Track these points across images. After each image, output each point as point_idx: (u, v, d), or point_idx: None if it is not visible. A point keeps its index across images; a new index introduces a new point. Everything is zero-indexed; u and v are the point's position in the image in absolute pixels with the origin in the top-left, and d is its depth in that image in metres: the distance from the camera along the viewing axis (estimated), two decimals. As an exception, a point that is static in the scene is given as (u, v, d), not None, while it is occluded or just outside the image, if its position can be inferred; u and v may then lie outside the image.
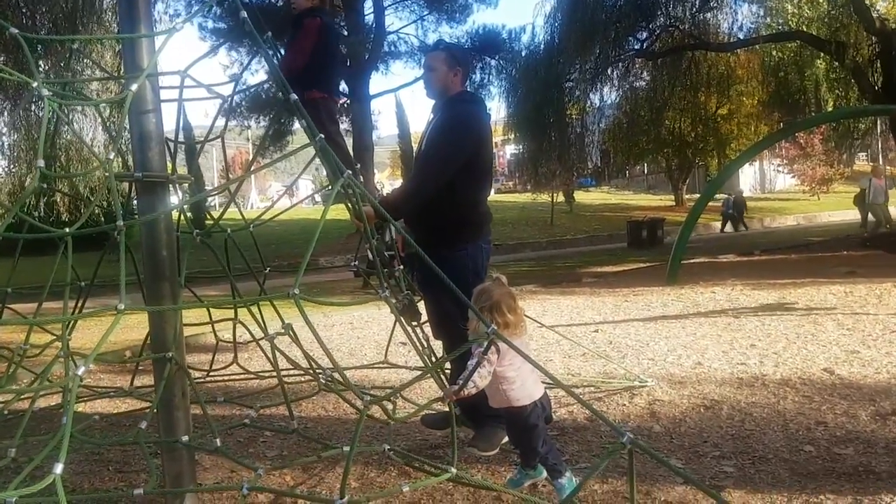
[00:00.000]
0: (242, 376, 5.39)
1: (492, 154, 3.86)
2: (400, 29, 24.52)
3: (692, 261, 14.20)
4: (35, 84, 2.34)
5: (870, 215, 15.56)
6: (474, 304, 2.75)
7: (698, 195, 38.37)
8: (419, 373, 5.45)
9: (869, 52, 16.21)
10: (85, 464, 4.19)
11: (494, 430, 3.37)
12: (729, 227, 26.80)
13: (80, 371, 1.99)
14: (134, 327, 8.13)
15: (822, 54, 17.62)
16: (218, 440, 2.59)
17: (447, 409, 3.84)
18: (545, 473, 3.03)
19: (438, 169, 3.47)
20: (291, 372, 4.79)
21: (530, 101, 17.11)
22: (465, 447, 3.75)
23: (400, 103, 28.18)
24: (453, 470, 2.30)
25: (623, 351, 6.57)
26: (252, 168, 4.47)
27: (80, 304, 3.60)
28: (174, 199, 3.04)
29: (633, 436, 2.05)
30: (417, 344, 2.92)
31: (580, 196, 32.87)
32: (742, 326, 7.40)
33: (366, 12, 23.37)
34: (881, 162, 39.80)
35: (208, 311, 4.76)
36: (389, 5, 23.64)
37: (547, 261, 18.10)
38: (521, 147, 22.21)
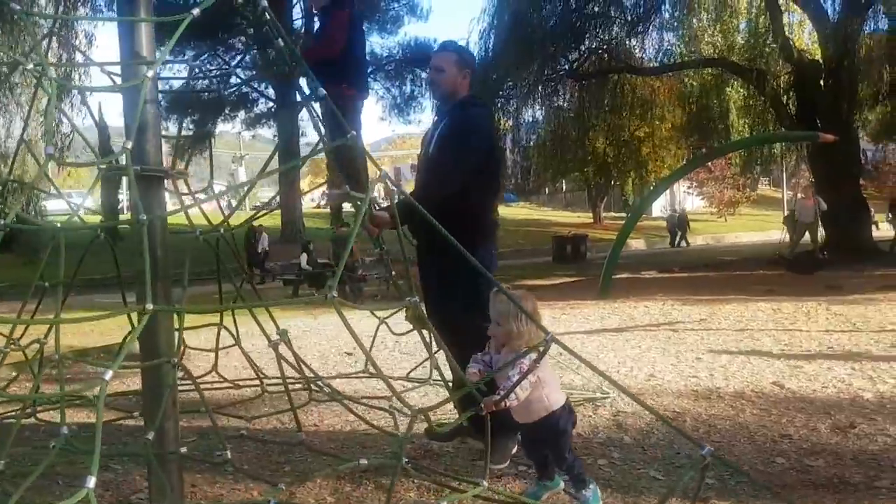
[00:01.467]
0: (224, 385, 5.13)
1: (499, 160, 3.80)
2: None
3: (617, 276, 14.52)
4: (31, 66, 2.08)
5: (807, 234, 16.31)
6: (515, 311, 2.65)
7: (615, 213, 39.71)
8: (407, 383, 5.37)
9: (785, 81, 17.07)
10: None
11: (505, 443, 3.26)
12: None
13: (108, 376, 1.78)
14: (88, 333, 7.70)
15: (740, 81, 18.47)
16: (228, 452, 2.38)
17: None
18: (562, 485, 2.94)
19: (452, 173, 3.36)
20: (274, 380, 4.55)
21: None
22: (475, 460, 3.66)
23: (327, 110, 27.76)
24: (484, 483, 2.17)
25: (574, 363, 6.57)
26: (266, 170, 4.19)
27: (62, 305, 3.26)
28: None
29: (711, 448, 1.98)
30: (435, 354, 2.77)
31: (503, 211, 33.11)
32: (683, 340, 7.56)
33: (295, 17, 22.99)
34: (784, 187, 42.16)
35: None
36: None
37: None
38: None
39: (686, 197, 44.16)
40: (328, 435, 4.58)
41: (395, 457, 2.40)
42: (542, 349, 2.44)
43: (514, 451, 3.32)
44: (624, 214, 38.70)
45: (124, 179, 2.91)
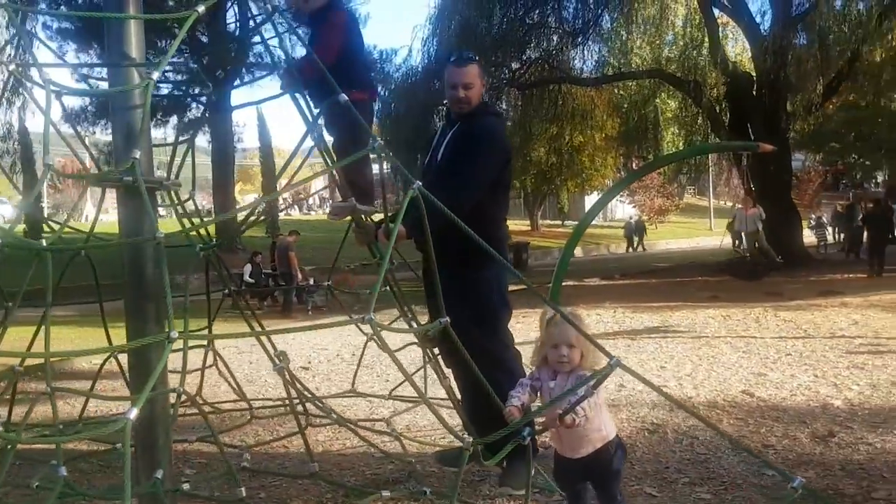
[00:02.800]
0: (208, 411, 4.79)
1: (511, 173, 3.64)
2: (266, 40, 23.67)
3: (563, 284, 14.59)
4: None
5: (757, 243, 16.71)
6: (570, 334, 2.50)
7: (551, 221, 40.19)
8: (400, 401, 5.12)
9: (720, 93, 17.56)
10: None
11: (522, 467, 3.11)
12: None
13: (132, 415, 1.57)
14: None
15: (676, 92, 18.92)
16: (243, 489, 2.15)
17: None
18: None
19: (472, 183, 3.19)
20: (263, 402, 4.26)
21: (408, 122, 17.02)
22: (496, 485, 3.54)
23: (262, 116, 27.29)
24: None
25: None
26: (291, 182, 3.86)
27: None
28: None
29: (803, 480, 1.87)
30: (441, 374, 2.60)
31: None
32: (643, 349, 7.59)
33: (229, 21, 22.41)
34: (711, 196, 43.55)
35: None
36: (256, 15, 22.77)
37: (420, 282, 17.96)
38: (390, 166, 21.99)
39: (618, 205, 45.11)
40: (332, 461, 4.29)
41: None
42: (604, 372, 2.30)
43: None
44: (560, 222, 39.27)
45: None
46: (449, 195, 2.72)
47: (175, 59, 22.33)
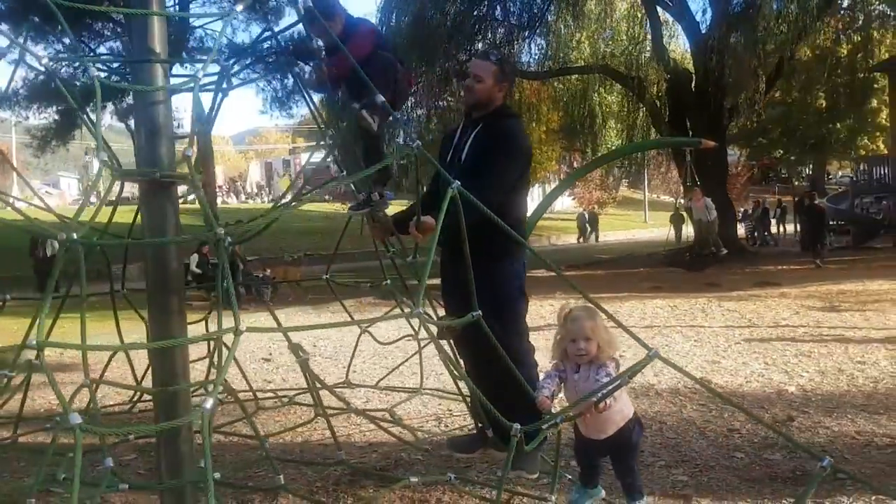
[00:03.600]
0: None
1: (531, 174, 3.74)
2: (205, 24, 23.09)
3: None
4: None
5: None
6: (600, 323, 2.62)
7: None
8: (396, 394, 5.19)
9: (661, 89, 18.06)
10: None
11: (536, 453, 3.21)
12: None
13: (209, 405, 1.59)
14: None
15: (617, 87, 19.36)
16: (281, 477, 2.18)
17: (475, 431, 3.62)
18: (603, 493, 2.93)
19: (498, 183, 3.25)
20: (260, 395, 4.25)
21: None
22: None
23: (199, 102, 26.58)
24: (553, 497, 2.11)
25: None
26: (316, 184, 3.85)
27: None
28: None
29: (832, 459, 2.00)
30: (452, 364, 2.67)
31: (382, 209, 33.03)
32: (599, 339, 7.80)
33: (168, 3, 21.75)
34: (645, 190, 44.67)
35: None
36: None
37: (365, 272, 17.91)
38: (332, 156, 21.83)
39: (559, 198, 45.78)
40: (346, 450, 4.33)
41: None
42: (643, 363, 2.43)
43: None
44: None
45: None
46: (476, 195, 2.79)
47: (111, 44, 21.68)
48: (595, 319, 2.71)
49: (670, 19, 18.38)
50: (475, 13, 18.43)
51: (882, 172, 21.82)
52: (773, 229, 26.19)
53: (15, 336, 3.74)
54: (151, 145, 2.56)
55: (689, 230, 19.10)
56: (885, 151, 34.81)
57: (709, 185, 17.29)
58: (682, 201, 13.29)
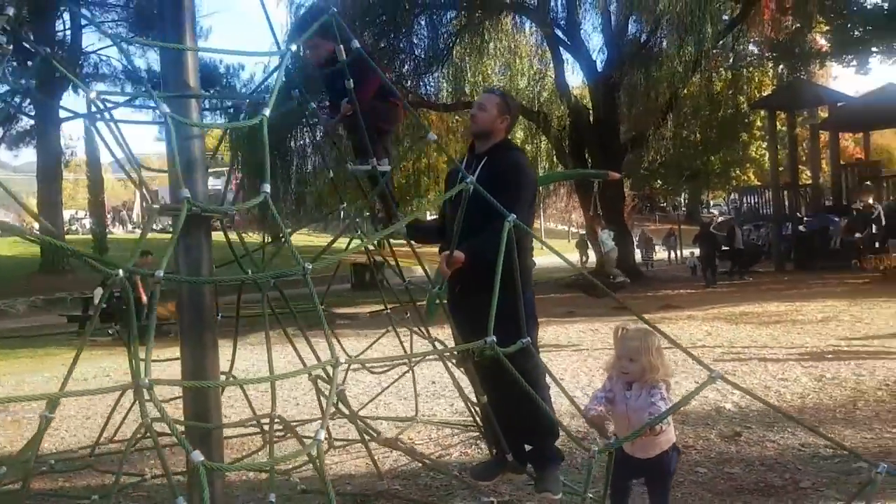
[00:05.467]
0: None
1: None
2: (100, 49, 22.23)
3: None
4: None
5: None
6: (646, 346, 2.76)
7: (397, 239, 40.53)
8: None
9: (563, 123, 18.89)
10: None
11: (557, 472, 3.33)
12: None
13: (321, 436, 1.63)
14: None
15: (522, 121, 20.04)
16: None
17: (493, 457, 3.69)
18: None
19: (517, 213, 3.37)
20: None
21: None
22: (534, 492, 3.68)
23: (89, 129, 25.45)
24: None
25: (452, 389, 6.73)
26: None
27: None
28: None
29: (886, 466, 2.21)
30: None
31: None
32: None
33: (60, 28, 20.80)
34: (542, 218, 46.10)
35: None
36: (87, 25, 21.32)
37: (279, 301, 17.58)
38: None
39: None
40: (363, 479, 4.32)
41: None
42: (705, 384, 2.59)
43: None
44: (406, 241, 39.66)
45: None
46: (493, 228, 2.91)
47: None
48: (644, 342, 2.87)
49: (570, 58, 19.31)
50: (382, 45, 18.66)
51: (753, 202, 23.64)
52: (665, 255, 27.81)
53: (31, 365, 3.51)
54: (188, 179, 2.54)
55: (592, 256, 19.95)
56: (757, 182, 37.77)
57: (610, 214, 18.18)
58: (600, 230, 13.97)
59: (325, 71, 3.80)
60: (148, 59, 22.48)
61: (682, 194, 55.73)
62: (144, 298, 14.16)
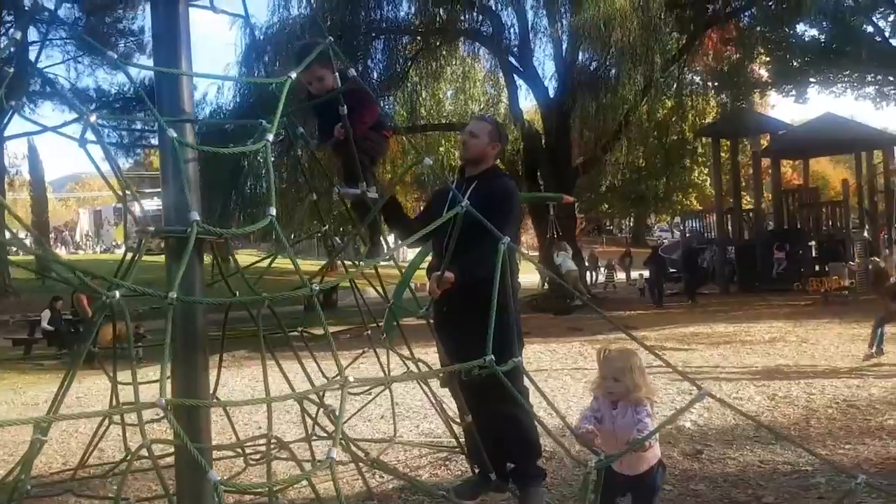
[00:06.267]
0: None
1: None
2: (46, 67, 21.71)
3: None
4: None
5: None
6: (630, 366, 2.85)
7: (347, 261, 40.40)
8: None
9: (517, 147, 19.21)
10: None
11: (539, 490, 3.40)
12: None
13: (334, 454, 1.67)
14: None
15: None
16: None
17: (475, 476, 3.73)
18: None
19: (509, 234, 3.44)
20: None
21: (220, 161, 16.58)
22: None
23: (34, 148, 24.88)
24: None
25: (421, 411, 6.76)
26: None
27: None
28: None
29: (865, 477, 2.33)
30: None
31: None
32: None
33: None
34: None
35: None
36: (35, 41, 20.81)
37: (230, 325, 17.31)
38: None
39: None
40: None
41: None
42: (693, 401, 2.69)
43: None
44: (356, 263, 39.54)
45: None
46: (482, 250, 3.01)
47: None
48: (627, 362, 2.99)
49: (524, 84, 19.69)
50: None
51: (696, 226, 24.40)
52: (618, 277, 28.48)
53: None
54: (182, 202, 2.55)
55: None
56: (699, 207, 38.87)
57: (563, 236, 18.54)
58: (556, 253, 14.29)
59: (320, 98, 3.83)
60: (97, 77, 22.13)
61: (628, 218, 57.02)
62: (90, 312, 13.87)
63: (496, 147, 3.85)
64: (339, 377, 2.29)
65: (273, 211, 2.32)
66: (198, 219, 2.19)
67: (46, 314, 12.46)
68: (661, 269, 18.60)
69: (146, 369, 9.08)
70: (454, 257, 3.42)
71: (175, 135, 2.33)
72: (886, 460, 4.64)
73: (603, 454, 2.84)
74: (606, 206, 50.49)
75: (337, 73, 3.46)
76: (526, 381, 3.38)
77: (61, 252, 37.43)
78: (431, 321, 4.05)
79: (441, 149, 21.72)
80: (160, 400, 1.90)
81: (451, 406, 4.81)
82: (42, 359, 12.06)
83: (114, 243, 39.42)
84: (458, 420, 4.05)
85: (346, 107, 3.41)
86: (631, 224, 58.75)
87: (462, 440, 4.96)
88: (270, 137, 2.43)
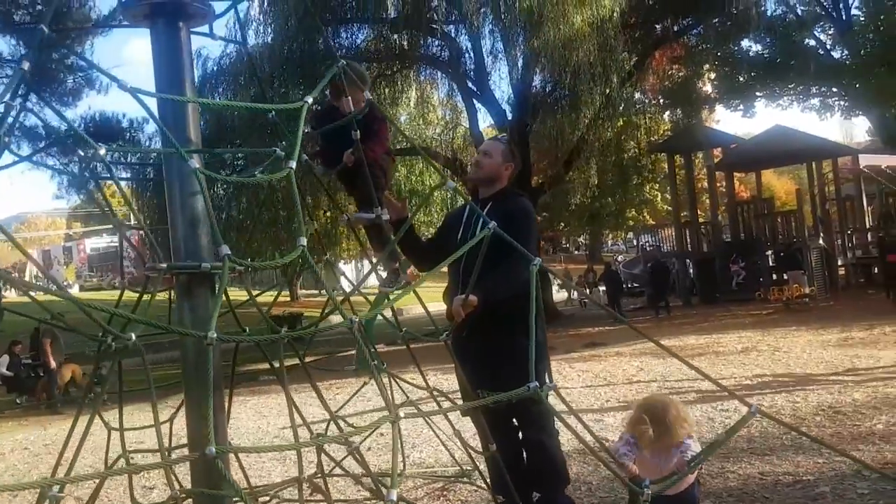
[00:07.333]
0: None
1: None
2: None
3: (351, 351, 14.69)
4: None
5: None
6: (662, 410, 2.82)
7: (306, 290, 39.90)
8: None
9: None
10: None
11: None
12: None
13: (393, 496, 1.58)
14: None
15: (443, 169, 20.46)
16: None
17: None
18: None
19: (533, 253, 3.37)
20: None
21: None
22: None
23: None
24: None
25: (409, 440, 6.63)
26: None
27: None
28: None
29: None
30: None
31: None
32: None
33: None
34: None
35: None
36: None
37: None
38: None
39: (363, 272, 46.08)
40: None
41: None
42: (745, 419, 2.66)
43: None
44: (317, 291, 39.10)
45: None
46: (507, 271, 2.94)
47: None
48: (669, 412, 2.96)
49: (482, 107, 19.83)
50: (289, 98, 18.66)
51: (650, 240, 24.84)
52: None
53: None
54: (192, 236, 2.47)
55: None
56: (652, 222, 39.58)
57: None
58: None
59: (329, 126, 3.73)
60: (45, 114, 21.49)
61: (583, 235, 57.71)
62: (54, 365, 13.33)
63: (510, 168, 3.82)
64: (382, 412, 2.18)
65: (304, 241, 2.24)
66: (229, 252, 2.10)
67: (5, 360, 11.96)
68: (616, 285, 18.93)
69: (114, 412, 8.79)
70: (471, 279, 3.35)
71: (197, 165, 2.24)
72: (885, 465, 4.67)
73: (647, 480, 2.78)
74: (563, 224, 51.11)
75: (349, 98, 3.40)
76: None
77: (10, 295, 36.20)
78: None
79: (397, 174, 21.74)
80: (210, 449, 1.78)
81: (447, 432, 4.73)
82: (1, 407, 11.56)
83: (65, 283, 38.36)
84: (479, 449, 3.93)
85: (359, 131, 3.34)
86: (586, 241, 59.47)
87: (466, 468, 4.88)
88: (293, 165, 2.34)
